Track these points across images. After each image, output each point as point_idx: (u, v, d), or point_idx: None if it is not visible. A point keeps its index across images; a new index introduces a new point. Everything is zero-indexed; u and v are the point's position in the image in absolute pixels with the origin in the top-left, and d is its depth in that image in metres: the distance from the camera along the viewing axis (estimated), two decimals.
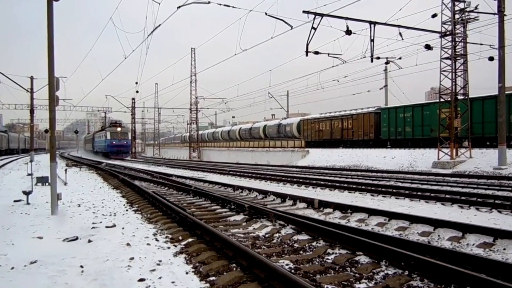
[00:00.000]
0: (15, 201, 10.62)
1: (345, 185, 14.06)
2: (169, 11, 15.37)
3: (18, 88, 29.22)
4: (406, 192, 11.74)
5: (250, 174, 20.26)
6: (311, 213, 8.98)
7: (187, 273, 4.79)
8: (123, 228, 7.20)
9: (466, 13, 21.70)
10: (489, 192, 11.57)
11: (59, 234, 6.80)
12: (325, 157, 31.27)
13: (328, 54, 18.91)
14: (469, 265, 4.64)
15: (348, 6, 16.90)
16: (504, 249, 5.65)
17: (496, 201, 9.42)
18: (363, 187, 13.46)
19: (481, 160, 20.80)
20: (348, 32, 16.97)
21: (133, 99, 60.44)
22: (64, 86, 39.84)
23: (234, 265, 5.03)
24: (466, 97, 22.65)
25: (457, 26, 21.72)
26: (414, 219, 7.34)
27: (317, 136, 37.72)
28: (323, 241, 6.18)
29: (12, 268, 4.94)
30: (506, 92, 20.26)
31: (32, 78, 34.04)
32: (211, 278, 4.62)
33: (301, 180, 16.41)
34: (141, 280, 4.45)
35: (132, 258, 5.23)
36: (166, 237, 6.67)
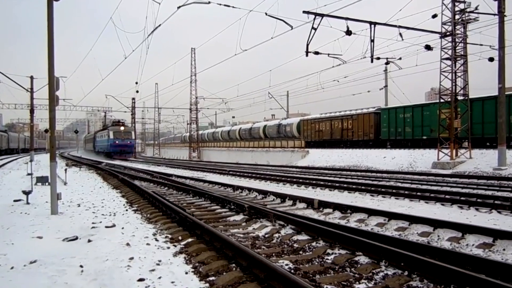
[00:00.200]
0: (15, 200, 10.62)
1: (345, 185, 14.06)
2: (169, 11, 15.39)
3: (18, 88, 29.26)
4: (406, 192, 11.75)
5: (250, 174, 20.27)
6: (310, 213, 8.98)
7: (186, 273, 4.79)
8: (122, 228, 7.20)
9: (466, 14, 21.72)
10: (489, 192, 11.58)
11: (59, 233, 6.80)
12: (325, 157, 31.28)
13: (328, 54, 18.92)
14: (469, 266, 4.65)
15: (348, 6, 16.92)
16: (504, 249, 5.66)
17: (496, 202, 9.42)
18: (362, 187, 13.46)
19: (481, 160, 20.81)
20: (348, 32, 16.98)
21: (133, 99, 60.50)
22: (64, 86, 39.85)
23: (233, 265, 5.03)
24: (466, 98, 22.66)
25: (457, 27, 21.74)
26: (414, 220, 7.35)
27: (317, 136, 37.73)
28: (323, 241, 6.18)
29: (12, 267, 4.94)
30: (506, 93, 20.26)
31: (32, 78, 34.04)
32: (211, 278, 4.62)
33: (300, 180, 16.41)
34: (141, 280, 4.45)
35: (131, 258, 5.23)
36: (166, 237, 6.67)
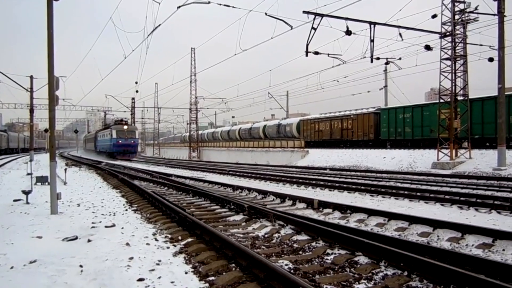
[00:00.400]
0: (14, 200, 10.62)
1: (345, 185, 14.07)
2: (169, 11, 15.39)
3: (18, 88, 29.26)
4: (406, 192, 11.75)
5: (249, 174, 20.27)
6: (310, 213, 8.98)
7: (186, 273, 4.79)
8: (122, 228, 7.20)
9: (466, 14, 21.72)
10: (489, 193, 11.58)
11: (59, 233, 6.80)
12: (325, 158, 31.28)
13: (328, 54, 18.92)
14: (468, 266, 4.65)
15: (348, 6, 16.93)
16: (503, 250, 5.66)
17: (496, 202, 9.42)
18: (362, 187, 13.46)
19: (481, 161, 20.82)
20: (348, 32, 16.98)
21: (133, 98, 60.50)
22: (64, 85, 39.85)
23: (233, 265, 5.03)
24: (466, 98, 22.67)
25: (457, 27, 21.74)
26: (414, 220, 7.35)
27: (317, 136, 37.74)
28: (323, 242, 6.18)
29: (12, 267, 4.94)
30: (506, 93, 20.27)
31: (31, 78, 34.04)
32: (211, 278, 4.62)
33: (300, 180, 16.42)
34: (141, 279, 4.45)
35: (131, 258, 5.23)
36: (166, 237, 6.67)
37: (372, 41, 17.82)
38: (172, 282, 4.40)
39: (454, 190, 12.35)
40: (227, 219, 8.52)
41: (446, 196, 10.70)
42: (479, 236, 6.18)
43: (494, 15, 19.78)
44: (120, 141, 46.23)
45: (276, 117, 63.78)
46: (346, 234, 5.94)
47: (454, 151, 21.98)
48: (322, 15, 16.85)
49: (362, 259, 5.24)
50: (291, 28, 16.51)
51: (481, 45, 21.49)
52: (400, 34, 18.39)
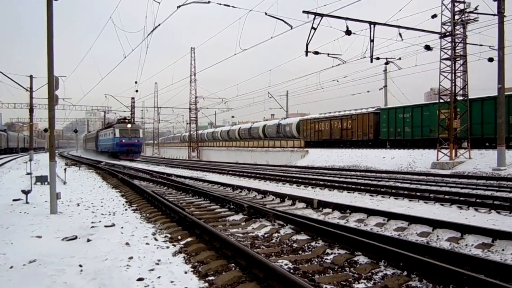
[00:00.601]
0: (14, 200, 10.62)
1: (344, 185, 14.07)
2: (169, 11, 15.38)
3: (17, 87, 29.24)
4: (405, 192, 11.75)
5: (249, 174, 20.27)
6: (310, 213, 8.98)
7: (186, 272, 4.79)
8: (122, 228, 7.20)
9: (466, 14, 21.72)
10: (488, 193, 11.58)
11: (58, 233, 6.80)
12: (324, 157, 31.28)
13: (328, 54, 18.92)
14: (468, 266, 4.65)
15: (348, 6, 16.93)
16: (503, 250, 5.66)
17: (495, 202, 9.42)
18: (362, 187, 13.46)
19: (480, 161, 20.82)
20: (348, 32, 16.98)
21: (133, 98, 60.40)
22: (63, 85, 39.84)
23: (233, 264, 5.03)
24: (466, 98, 22.68)
25: (457, 27, 21.74)
26: (413, 220, 7.35)
27: (317, 136, 37.74)
28: (322, 241, 6.18)
29: (11, 267, 4.94)
30: (506, 93, 20.27)
31: (31, 77, 34.04)
32: (210, 278, 4.62)
33: (300, 180, 16.41)
34: (140, 279, 4.45)
35: (131, 258, 5.23)
36: (165, 236, 6.67)
37: (372, 41, 17.83)
38: (171, 282, 4.40)
39: (453, 190, 12.35)
40: (226, 219, 8.51)
41: (446, 196, 10.70)
42: (479, 236, 6.18)
43: (494, 15, 19.78)
44: (123, 141, 44.45)
45: (276, 117, 63.81)
46: (346, 234, 5.94)
47: (453, 151, 21.99)
48: (322, 15, 16.85)
49: (362, 259, 5.25)
50: (291, 28, 16.52)
51: (481, 45, 21.51)
52: (400, 34, 18.40)
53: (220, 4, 16.43)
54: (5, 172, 21.96)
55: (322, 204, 9.50)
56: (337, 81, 35.43)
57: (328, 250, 5.74)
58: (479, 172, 18.92)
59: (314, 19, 16.83)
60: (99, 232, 6.81)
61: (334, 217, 8.47)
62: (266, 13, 16.41)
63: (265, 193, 11.86)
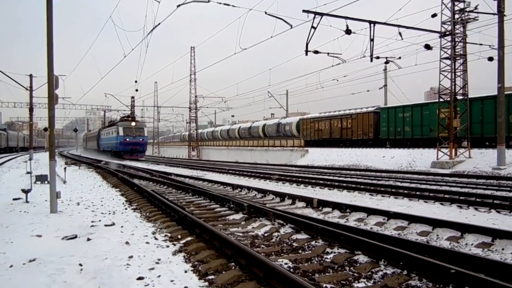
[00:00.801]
0: (14, 199, 10.62)
1: (344, 184, 14.06)
2: (169, 10, 15.37)
3: (17, 86, 29.22)
4: (405, 191, 11.75)
5: (249, 173, 20.27)
6: (310, 212, 8.98)
7: (186, 271, 4.79)
8: (122, 227, 7.20)
9: (466, 13, 21.71)
10: (488, 192, 11.58)
11: (58, 232, 6.80)
12: (324, 157, 31.28)
13: (328, 53, 18.91)
14: (468, 265, 4.65)
15: (348, 5, 16.91)
16: (503, 249, 5.67)
17: (495, 201, 9.43)
18: (362, 186, 13.46)
19: (480, 160, 20.82)
20: (348, 31, 16.96)
21: (133, 97, 60.33)
22: (63, 84, 39.89)
23: (233, 264, 5.03)
24: (466, 97, 22.67)
25: (457, 26, 21.73)
26: (413, 219, 7.35)
27: (316, 135, 37.74)
28: (322, 240, 6.18)
29: (11, 266, 4.94)
30: (506, 93, 20.27)
31: (31, 76, 33.99)
32: (210, 277, 4.62)
33: (300, 179, 16.41)
34: (140, 278, 4.45)
35: (131, 257, 5.23)
36: (165, 235, 6.68)
37: (372, 40, 17.81)
38: (171, 281, 4.40)
39: (453, 189, 12.36)
40: (226, 218, 8.52)
41: (446, 195, 10.71)
42: (479, 235, 6.18)
43: (494, 14, 19.76)
44: (127, 139, 42.43)
45: (276, 116, 63.81)
46: (346, 233, 5.94)
47: (453, 151, 21.99)
48: (322, 14, 16.83)
49: (362, 258, 5.25)
50: (291, 27, 16.50)
51: (480, 44, 21.50)
52: (400, 33, 18.37)
53: (220, 3, 16.42)
54: (5, 171, 21.96)
55: (322, 203, 9.50)
56: (337, 80, 35.41)
57: (328, 249, 5.74)
58: (479, 171, 18.91)
59: (314, 18, 16.81)
60: (99, 231, 6.81)
61: (334, 216, 8.47)
62: (266, 12, 16.40)
63: (265, 192, 11.86)
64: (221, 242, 5.73)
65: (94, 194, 12.33)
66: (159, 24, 16.34)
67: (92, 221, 7.68)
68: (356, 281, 4.53)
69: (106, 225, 7.32)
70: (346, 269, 4.94)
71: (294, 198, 10.47)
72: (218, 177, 18.99)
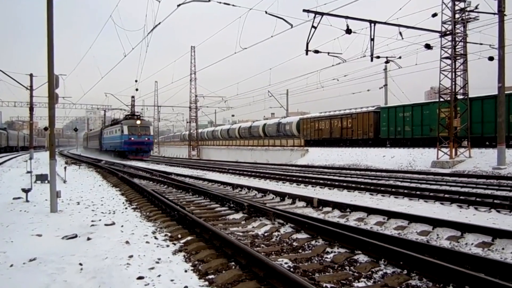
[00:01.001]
0: (14, 198, 10.63)
1: (344, 184, 14.06)
2: (169, 9, 15.38)
3: (17, 86, 29.23)
4: (405, 191, 11.75)
5: (249, 173, 20.27)
6: (310, 211, 8.98)
7: (186, 271, 4.79)
8: (122, 226, 7.20)
9: (466, 13, 21.70)
10: (488, 191, 11.58)
11: (58, 231, 6.80)
12: (324, 156, 31.28)
13: (328, 53, 18.91)
14: (468, 265, 4.65)
15: (348, 5, 16.93)
16: (503, 248, 5.66)
17: (495, 201, 9.43)
18: (362, 186, 13.46)
19: (480, 159, 20.82)
20: (348, 31, 16.96)
21: (133, 97, 60.32)
22: (63, 84, 39.89)
23: (233, 263, 5.03)
24: (466, 97, 22.67)
25: (457, 26, 21.72)
26: (413, 219, 7.35)
27: (317, 135, 37.74)
28: (322, 240, 6.18)
29: (11, 265, 4.94)
30: (506, 92, 20.26)
31: (31, 76, 34.04)
32: (210, 276, 4.62)
33: (300, 179, 16.42)
34: (140, 278, 4.45)
35: (131, 256, 5.23)
36: (165, 235, 6.68)
37: (372, 39, 17.81)
38: (171, 280, 4.40)
39: (453, 189, 12.35)
40: (226, 218, 8.52)
41: (446, 195, 10.70)
42: (479, 235, 6.18)
43: (494, 14, 19.75)
44: (132, 138, 40.58)
45: (276, 116, 63.87)
46: (346, 232, 5.94)
47: (453, 150, 21.98)
48: (322, 14, 16.83)
49: (362, 258, 5.25)
50: (291, 27, 16.50)
51: (481, 44, 21.50)
52: (400, 33, 18.38)
53: (220, 2, 16.41)
54: (5, 171, 21.97)
55: (322, 203, 9.50)
56: (337, 80, 35.47)
57: (328, 249, 5.74)
58: (479, 171, 18.91)
59: (314, 17, 16.81)
60: (99, 231, 6.81)
61: (334, 216, 8.47)
62: (266, 12, 16.40)
63: (265, 191, 11.86)
64: (221, 242, 5.73)
65: (94, 194, 12.33)
66: (159, 23, 16.36)
67: (92, 221, 7.69)
68: (356, 281, 4.53)
69: (106, 225, 7.32)
70: (346, 269, 4.94)
71: (294, 197, 10.47)
72: (218, 176, 18.99)
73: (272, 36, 17.73)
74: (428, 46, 19.72)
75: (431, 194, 11.12)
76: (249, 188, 12.80)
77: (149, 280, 4.38)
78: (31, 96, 35.12)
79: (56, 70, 9.52)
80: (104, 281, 4.36)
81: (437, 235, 6.54)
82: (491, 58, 20.95)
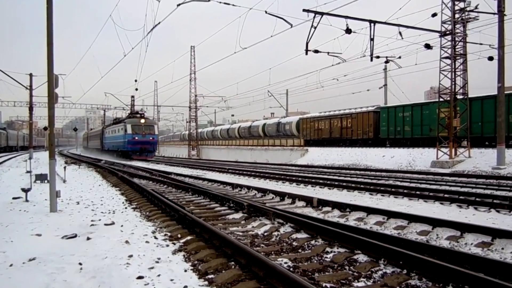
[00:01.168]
0: (14, 198, 10.62)
1: (344, 184, 14.07)
2: (169, 9, 15.41)
3: (17, 85, 29.22)
4: (405, 191, 11.76)
5: (249, 173, 20.27)
6: (310, 211, 8.99)
7: (185, 270, 4.79)
8: (122, 226, 7.20)
9: (466, 13, 21.70)
10: (488, 191, 11.59)
11: (58, 231, 6.80)
12: (324, 156, 31.29)
13: (328, 53, 18.91)
14: (467, 264, 4.66)
15: (348, 5, 16.93)
16: (502, 248, 5.67)
17: (495, 201, 9.44)
18: (362, 186, 13.47)
19: (480, 159, 20.83)
20: (348, 31, 16.96)
21: (133, 96, 60.30)
22: (63, 83, 39.83)
23: (232, 263, 5.03)
24: (466, 97, 22.67)
25: (457, 26, 21.72)
26: (413, 218, 7.35)
27: (316, 135, 37.75)
28: (322, 240, 6.18)
29: (11, 265, 4.94)
30: (505, 92, 20.27)
31: (31, 76, 33.99)
32: (210, 276, 4.62)
33: (300, 178, 16.42)
34: (140, 277, 4.45)
35: (131, 256, 5.23)
36: (165, 234, 6.68)
37: (372, 39, 17.81)
38: (171, 280, 4.40)
39: (453, 189, 12.36)
40: (226, 217, 8.52)
41: (445, 195, 10.71)
42: (478, 234, 6.18)
43: (494, 14, 19.76)
44: (136, 138, 38.89)
45: (276, 116, 63.84)
46: (346, 232, 5.94)
47: (453, 150, 21.99)
48: (322, 14, 16.83)
49: (361, 257, 5.25)
50: (291, 26, 16.49)
51: (481, 44, 21.50)
52: (400, 33, 18.38)
53: (220, 2, 16.41)
54: (5, 170, 21.96)
55: (322, 203, 9.50)
56: (337, 79, 35.47)
57: (328, 249, 5.74)
58: (478, 171, 18.92)
59: (314, 17, 16.81)
60: (99, 230, 6.81)
61: (334, 216, 8.47)
62: (266, 12, 16.39)
63: (264, 191, 11.87)
64: (221, 241, 5.73)
65: (94, 193, 12.33)
66: (159, 23, 16.36)
67: (92, 220, 7.69)
68: (356, 281, 4.53)
69: (106, 224, 7.32)
70: (345, 269, 4.94)
71: (294, 197, 10.47)
72: (218, 176, 18.99)
73: (272, 36, 17.73)
74: (428, 46, 19.73)
75: (431, 194, 11.13)
76: (248, 187, 12.80)
77: (149, 280, 4.38)
78: (31, 96, 35.08)
79: (56, 69, 9.53)
80: (104, 281, 4.36)
81: (437, 235, 6.54)
82: (490, 58, 20.95)
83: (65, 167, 18.48)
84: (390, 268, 4.84)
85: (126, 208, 9.57)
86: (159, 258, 5.18)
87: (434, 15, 20.92)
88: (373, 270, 4.83)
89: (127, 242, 6.00)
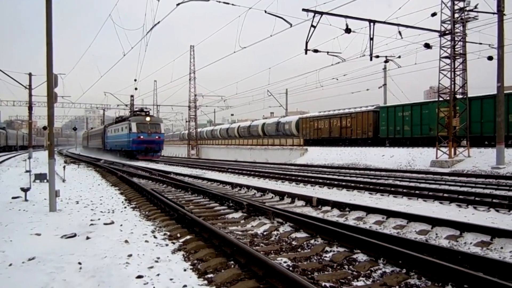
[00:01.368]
0: (13, 197, 10.61)
1: (344, 183, 14.07)
2: (169, 8, 15.40)
3: (16, 85, 29.22)
4: (404, 190, 11.76)
5: (248, 172, 20.27)
6: (309, 211, 8.99)
7: (185, 270, 4.79)
8: (121, 225, 7.20)
9: (466, 12, 21.71)
10: (487, 191, 11.60)
11: (57, 231, 6.80)
12: (324, 156, 31.30)
13: (327, 52, 18.93)
14: (467, 264, 4.66)
15: (348, 4, 16.94)
16: (502, 247, 5.67)
17: (494, 200, 9.45)
18: (361, 185, 13.47)
19: (479, 159, 20.84)
20: (348, 30, 16.97)
21: (132, 96, 60.28)
22: (62, 83, 39.77)
23: (232, 262, 5.03)
24: (465, 96, 22.69)
25: (457, 25, 21.73)
26: (412, 218, 7.36)
27: (316, 134, 37.76)
28: (321, 239, 6.19)
29: (10, 264, 4.94)
30: (505, 92, 20.28)
31: (30, 75, 33.94)
32: (209, 275, 4.62)
33: (299, 178, 16.43)
34: (139, 277, 4.45)
35: (130, 255, 5.23)
36: (165, 234, 6.68)
37: (371, 39, 17.83)
38: (171, 279, 4.40)
39: (452, 188, 12.37)
40: (226, 217, 8.52)
41: (445, 194, 10.72)
42: (478, 234, 6.19)
43: (493, 13, 19.77)
44: (141, 137, 36.47)
45: (275, 115, 63.92)
46: (345, 231, 5.95)
47: (453, 150, 22.01)
48: (321, 13, 16.83)
49: (361, 257, 5.25)
50: (291, 26, 16.49)
51: (480, 43, 21.53)
52: (399, 32, 18.40)
53: (219, 1, 16.41)
54: (4, 170, 21.94)
55: (321, 202, 9.50)
56: (337, 79, 35.44)
57: (327, 248, 5.74)
58: (478, 170, 18.94)
59: (313, 17, 16.81)
60: (98, 230, 6.81)
61: (333, 215, 8.48)
62: (265, 11, 16.40)
63: (264, 191, 11.87)
64: (220, 241, 5.73)
65: (93, 193, 12.32)
66: (158, 22, 16.38)
67: (91, 220, 7.68)
68: (355, 280, 4.53)
69: (105, 224, 7.32)
70: (345, 268, 4.95)
71: (293, 197, 10.48)
72: (218, 175, 18.99)
73: (271, 35, 17.74)
74: (427, 46, 19.75)
75: (430, 193, 11.14)
76: (248, 187, 12.81)
77: (148, 279, 4.38)
78: (30, 95, 35.04)
79: (55, 69, 9.51)
80: (103, 280, 4.35)
81: (436, 234, 6.55)
82: (490, 58, 20.98)
83: (64, 167, 18.48)
84: (389, 268, 4.84)
85: (125, 207, 9.56)
86: (158, 258, 5.18)
87: (433, 14, 20.95)
88: (372, 269, 4.83)
89: (126, 241, 6.00)
